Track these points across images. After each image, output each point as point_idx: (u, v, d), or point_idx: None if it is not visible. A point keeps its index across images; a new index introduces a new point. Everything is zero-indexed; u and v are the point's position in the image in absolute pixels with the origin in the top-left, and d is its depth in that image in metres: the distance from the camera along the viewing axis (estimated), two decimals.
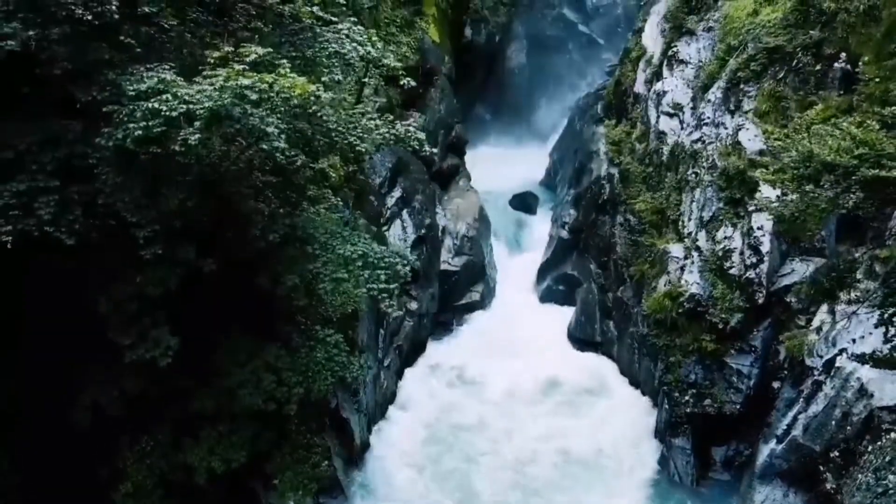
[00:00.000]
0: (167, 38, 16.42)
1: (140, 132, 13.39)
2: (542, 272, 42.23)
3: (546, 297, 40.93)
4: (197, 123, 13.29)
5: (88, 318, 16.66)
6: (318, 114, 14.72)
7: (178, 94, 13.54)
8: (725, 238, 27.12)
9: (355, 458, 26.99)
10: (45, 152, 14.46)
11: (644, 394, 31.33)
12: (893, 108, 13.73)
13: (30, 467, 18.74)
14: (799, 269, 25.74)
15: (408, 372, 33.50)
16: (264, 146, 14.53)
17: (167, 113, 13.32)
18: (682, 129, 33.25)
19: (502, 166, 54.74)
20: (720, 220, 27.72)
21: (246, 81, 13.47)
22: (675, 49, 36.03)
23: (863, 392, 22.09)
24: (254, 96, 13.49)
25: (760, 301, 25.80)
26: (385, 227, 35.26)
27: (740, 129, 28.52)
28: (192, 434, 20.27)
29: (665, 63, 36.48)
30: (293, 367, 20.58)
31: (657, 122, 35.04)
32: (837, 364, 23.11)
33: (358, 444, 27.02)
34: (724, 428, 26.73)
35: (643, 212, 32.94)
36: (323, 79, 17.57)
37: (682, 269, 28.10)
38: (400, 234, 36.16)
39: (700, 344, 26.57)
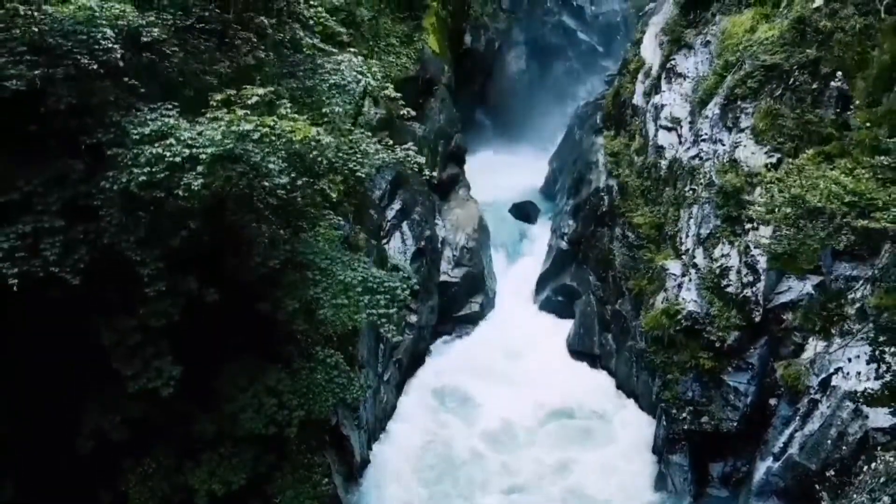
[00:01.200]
0: (169, 64, 16.56)
1: (144, 178, 13.59)
2: (542, 282, 42.46)
3: (545, 308, 41.17)
4: (200, 168, 13.48)
5: (91, 348, 16.85)
6: (319, 157, 14.88)
7: (182, 137, 13.73)
8: (723, 256, 27.31)
9: (355, 475, 27.18)
10: (50, 193, 14.65)
11: (642, 408, 31.53)
12: (883, 157, 13.92)
13: (32, 491, 18.92)
14: (795, 287, 25.88)
15: (408, 385, 33.63)
16: (266, 183, 14.75)
17: (171, 159, 13.52)
18: (680, 143, 33.45)
19: (502, 173, 55.05)
20: (717, 237, 27.89)
21: (248, 126, 13.66)
22: (673, 62, 36.21)
23: (858, 412, 22.32)
24: (256, 136, 13.69)
25: (757, 319, 25.98)
26: (385, 240, 35.45)
27: (737, 147, 28.69)
28: (194, 457, 20.44)
29: (663, 76, 36.64)
30: (294, 389, 20.78)
31: (655, 135, 35.23)
32: (833, 383, 23.35)
33: (358, 461, 27.20)
34: (722, 444, 26.90)
35: (641, 226, 33.16)
36: (323, 109, 17.78)
37: (680, 286, 28.30)
38: (399, 246, 36.37)
39: (697, 361, 26.75)
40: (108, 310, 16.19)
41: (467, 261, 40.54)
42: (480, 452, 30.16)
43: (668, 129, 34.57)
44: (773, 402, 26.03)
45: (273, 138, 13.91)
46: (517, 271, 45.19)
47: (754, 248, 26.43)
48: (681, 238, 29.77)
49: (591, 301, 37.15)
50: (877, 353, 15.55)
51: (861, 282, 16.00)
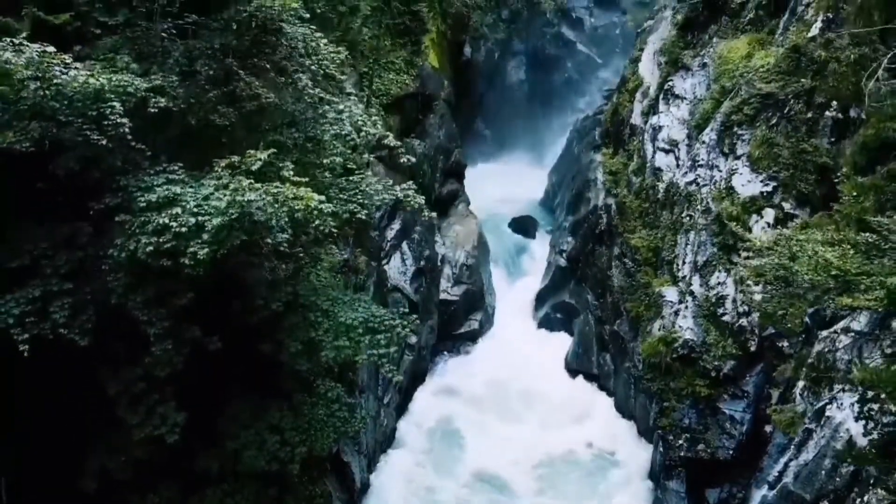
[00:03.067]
0: (175, 120, 16.82)
1: (151, 247, 13.91)
2: (541, 299, 42.80)
3: (544, 325, 41.51)
4: (206, 235, 13.80)
5: (97, 395, 17.15)
6: (321, 226, 15.20)
7: (188, 206, 14.04)
8: (719, 284, 27.60)
9: (355, 501, 27.46)
10: (58, 255, 14.96)
11: (640, 432, 31.80)
12: (868, 234, 14.23)
13: None
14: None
15: (408, 406, 33.91)
16: (269, 240, 15.07)
17: (177, 229, 13.84)
18: (677, 166, 33.74)
19: (501, 183, 55.47)
20: (714, 264, 28.18)
21: (252, 196, 13.96)
22: (671, 83, 36.51)
23: (852, 444, 22.57)
24: (260, 205, 14.01)
25: (753, 348, 26.29)
26: (385, 261, 35.73)
27: (734, 174, 28.96)
28: (198, 492, 20.77)
29: (661, 97, 36.93)
30: (296, 426, 21.08)
31: (653, 157, 35.51)
32: (827, 413, 23.59)
33: (358, 487, 27.51)
34: (718, 471, 27.17)
35: (639, 248, 33.43)
36: (324, 161, 18.09)
37: (677, 313, 28.60)
38: (400, 266, 36.64)
39: (694, 388, 27.06)
40: (113, 361, 16.50)
41: (467, 278, 40.82)
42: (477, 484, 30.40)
43: (666, 152, 34.84)
44: (768, 429, 26.33)
45: (277, 206, 14.23)
46: (516, 287, 45.54)
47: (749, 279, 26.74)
48: (678, 264, 30.06)
49: (590, 320, 37.46)
50: (864, 409, 15.87)
51: (849, 345, 16.29)
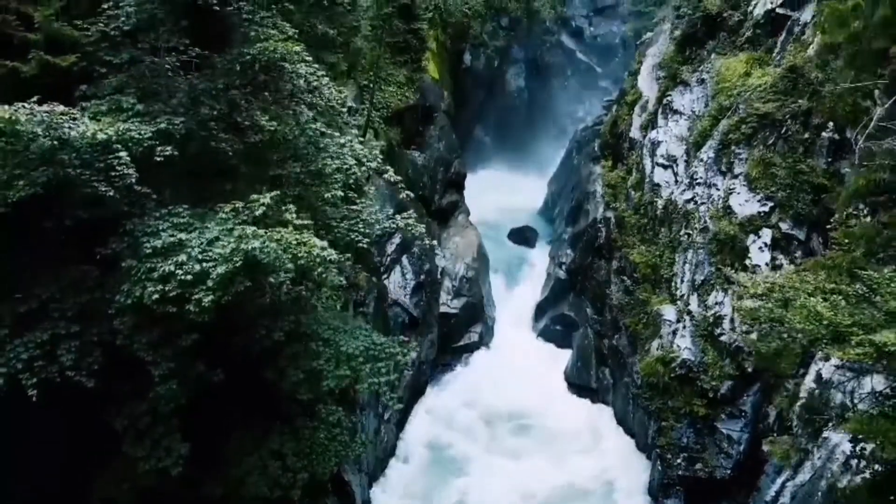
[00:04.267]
0: (180, 161, 16.98)
1: (157, 295, 14.16)
2: (540, 310, 43.07)
3: (544, 336, 41.79)
4: (210, 282, 14.04)
5: (102, 427, 17.37)
6: (324, 274, 15.45)
7: (193, 254, 14.28)
8: (716, 304, 27.85)
9: None
10: (66, 298, 15.21)
11: (638, 447, 31.99)
12: (858, 286, 14.50)
13: None
14: None
15: (407, 423, 34.11)
16: (272, 279, 15.32)
17: (182, 276, 14.08)
18: (675, 182, 33.94)
19: (501, 191, 55.84)
20: (712, 284, 28.43)
21: (256, 243, 14.19)
22: (669, 98, 36.71)
23: (848, 466, 22.83)
24: (264, 253, 14.26)
25: (750, 369, 26.49)
26: (385, 276, 35.95)
27: (731, 193, 29.21)
28: None
29: (660, 111, 37.15)
30: (298, 451, 21.26)
31: (652, 172, 35.72)
32: (824, 434, 23.84)
33: None
34: (716, 490, 27.37)
35: (638, 264, 33.63)
36: (326, 195, 18.32)
37: (675, 332, 28.83)
38: (400, 280, 36.87)
39: (692, 408, 27.32)
40: (118, 397, 16.72)
41: (467, 291, 41.02)
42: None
43: (665, 167, 35.06)
44: (766, 448, 26.55)
45: (281, 252, 14.46)
46: (516, 298, 45.80)
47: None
48: (676, 283, 30.30)
49: (589, 334, 37.71)
50: (857, 449, 16.12)
51: (842, 387, 16.54)
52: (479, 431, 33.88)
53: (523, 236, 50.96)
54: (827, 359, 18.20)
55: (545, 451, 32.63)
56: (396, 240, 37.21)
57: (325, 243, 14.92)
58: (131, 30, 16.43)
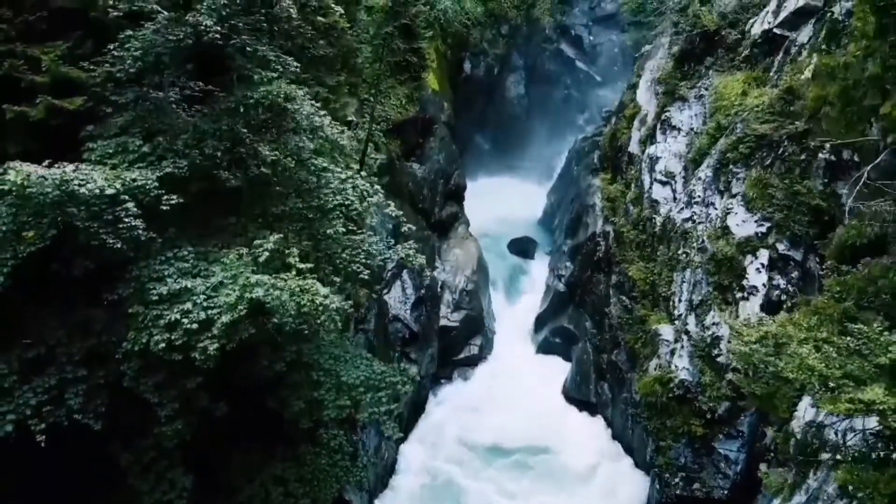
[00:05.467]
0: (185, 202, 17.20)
1: (163, 344, 14.45)
2: (539, 323, 43.31)
3: (543, 349, 42.01)
4: (215, 330, 14.32)
5: (107, 461, 17.66)
6: (327, 322, 15.71)
7: (198, 301, 14.56)
8: (714, 324, 28.08)
9: None
10: (73, 342, 15.51)
11: (637, 464, 32.23)
12: (849, 339, 14.76)
13: None
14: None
15: (408, 437, 34.32)
16: (275, 319, 15.58)
17: (188, 325, 14.36)
18: (674, 199, 34.20)
19: (501, 199, 55.79)
20: (709, 304, 28.66)
21: (260, 292, 14.47)
22: (668, 114, 36.96)
23: (844, 489, 23.08)
24: (267, 301, 14.56)
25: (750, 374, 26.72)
26: (385, 291, 36.18)
27: (729, 213, 29.44)
28: None
29: (658, 127, 37.38)
30: (299, 476, 21.61)
31: (650, 188, 35.97)
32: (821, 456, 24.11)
33: None
34: None
35: (637, 281, 33.88)
36: (328, 231, 18.60)
37: (673, 352, 29.09)
38: (400, 295, 37.10)
39: (689, 428, 27.56)
40: (124, 434, 17.00)
41: (466, 304, 41.26)
42: None
43: (663, 184, 35.31)
44: (763, 467, 26.80)
45: (284, 299, 14.72)
46: (516, 309, 46.02)
47: (744, 318, 27.25)
48: (674, 302, 30.55)
49: (588, 349, 37.96)
50: (849, 488, 16.41)
51: (835, 426, 16.80)
52: (477, 457, 33.86)
53: (523, 247, 51.14)
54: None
55: (544, 481, 32.75)
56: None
57: (327, 290, 15.18)
58: (136, 72, 16.65)
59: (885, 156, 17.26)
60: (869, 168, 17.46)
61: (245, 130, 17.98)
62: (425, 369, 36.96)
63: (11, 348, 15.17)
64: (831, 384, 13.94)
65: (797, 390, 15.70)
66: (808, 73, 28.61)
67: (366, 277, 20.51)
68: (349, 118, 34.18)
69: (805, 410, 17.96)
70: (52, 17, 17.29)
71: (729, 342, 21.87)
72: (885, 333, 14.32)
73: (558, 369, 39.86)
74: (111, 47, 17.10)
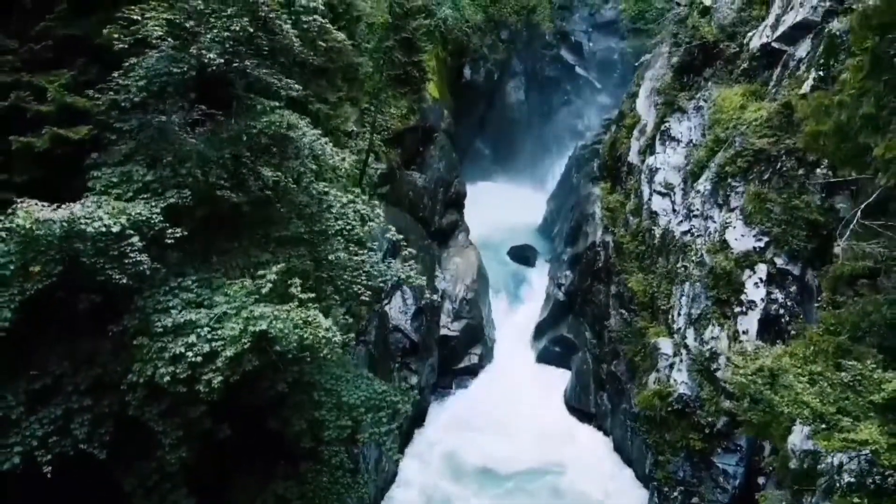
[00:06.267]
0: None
1: (168, 377, 14.64)
2: (539, 331, 43.50)
3: (543, 358, 42.22)
4: (219, 362, 14.52)
5: (112, 489, 17.82)
6: (328, 354, 15.89)
7: (202, 333, 14.75)
8: (713, 338, 28.27)
9: None
10: (79, 372, 15.69)
11: (637, 476, 32.43)
12: (843, 374, 14.97)
13: None
14: None
15: (407, 449, 34.48)
16: (277, 347, 15.76)
17: (192, 358, 14.55)
18: (673, 211, 34.39)
19: (501, 205, 56.05)
20: (708, 318, 28.85)
21: (263, 325, 14.67)
22: (667, 124, 37.11)
23: None
24: (271, 333, 14.76)
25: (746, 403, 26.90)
26: (386, 302, 36.37)
27: (727, 227, 29.59)
28: None
29: (658, 137, 37.54)
30: (301, 494, 21.73)
31: (650, 199, 36.17)
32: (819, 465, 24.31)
33: None
34: None
35: (636, 293, 34.09)
36: (329, 257, 18.80)
37: (671, 366, 29.31)
38: (401, 306, 37.31)
39: (688, 442, 27.82)
40: (127, 457, 17.16)
41: (466, 313, 41.46)
42: None
43: (662, 195, 35.50)
44: (761, 480, 27.05)
45: (287, 331, 14.91)
46: (516, 316, 46.25)
47: (742, 332, 27.48)
48: (673, 315, 30.74)
49: (588, 359, 38.17)
50: None
51: (829, 455, 16.98)
52: (476, 480, 33.71)
53: (523, 255, 51.40)
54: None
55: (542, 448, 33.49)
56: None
57: (329, 322, 15.36)
58: (140, 101, 16.82)
59: (877, 196, 17.43)
60: (862, 207, 17.64)
61: (248, 153, 18.17)
62: (425, 379, 37.17)
63: (18, 380, 15.35)
64: (826, 419, 14.13)
65: (792, 420, 15.91)
66: (806, 88, 28.72)
67: (367, 299, 20.69)
68: (350, 128, 34.40)
69: (801, 436, 18.13)
70: (58, 44, 17.45)
71: (727, 360, 21.96)
72: (879, 370, 14.53)
73: (558, 378, 40.09)
74: (115, 75, 17.25)
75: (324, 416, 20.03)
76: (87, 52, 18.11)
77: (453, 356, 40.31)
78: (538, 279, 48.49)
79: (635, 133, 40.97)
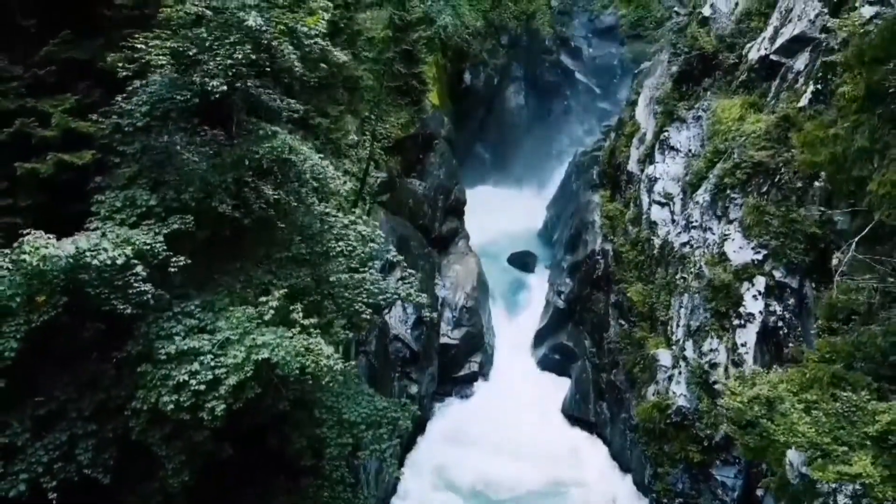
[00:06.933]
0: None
1: (172, 406, 14.81)
2: (539, 338, 43.66)
3: (543, 365, 42.39)
4: (222, 390, 14.70)
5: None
6: (330, 383, 16.08)
7: (205, 361, 14.93)
8: (711, 350, 28.42)
9: None
10: (83, 397, 15.85)
11: (636, 485, 32.55)
12: (838, 405, 15.16)
13: None
14: None
15: (408, 459, 34.65)
16: (279, 371, 15.93)
17: (195, 387, 14.73)
18: (672, 221, 34.54)
19: (501, 210, 56.20)
20: (707, 330, 28.99)
21: (266, 353, 14.86)
22: (666, 134, 37.25)
23: None
24: (273, 361, 14.95)
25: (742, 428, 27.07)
26: (386, 311, 36.47)
27: (726, 239, 29.72)
28: None
29: (657, 146, 37.68)
30: None
31: (649, 209, 36.32)
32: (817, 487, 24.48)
33: None
34: None
35: (636, 302, 34.25)
36: (331, 279, 18.98)
37: (670, 378, 29.47)
38: (401, 315, 37.49)
39: (687, 454, 27.95)
40: (130, 479, 17.33)
41: (467, 321, 41.63)
42: None
43: (661, 205, 35.65)
44: (759, 492, 27.17)
45: (289, 358, 15.08)
46: (516, 323, 46.39)
47: (741, 344, 27.64)
48: (671, 327, 30.91)
49: (587, 367, 38.33)
50: None
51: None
52: (475, 494, 34.01)
53: (523, 261, 51.53)
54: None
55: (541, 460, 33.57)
56: (398, 274, 37.60)
57: (331, 350, 15.54)
58: (143, 126, 17.00)
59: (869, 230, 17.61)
60: (856, 239, 17.82)
61: (250, 173, 18.34)
62: (425, 388, 37.37)
63: (24, 406, 15.52)
64: (821, 448, 14.33)
65: (788, 446, 16.10)
66: (804, 102, 28.84)
67: (367, 317, 20.87)
68: (352, 138, 34.57)
69: (799, 459, 18.31)
70: (61, 68, 17.62)
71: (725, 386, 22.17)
72: (873, 401, 14.71)
73: (558, 387, 40.22)
74: (119, 98, 17.44)
75: (325, 434, 20.20)
76: (90, 74, 18.30)
77: (453, 364, 40.49)
78: (538, 285, 48.63)
79: (634, 141, 41.13)
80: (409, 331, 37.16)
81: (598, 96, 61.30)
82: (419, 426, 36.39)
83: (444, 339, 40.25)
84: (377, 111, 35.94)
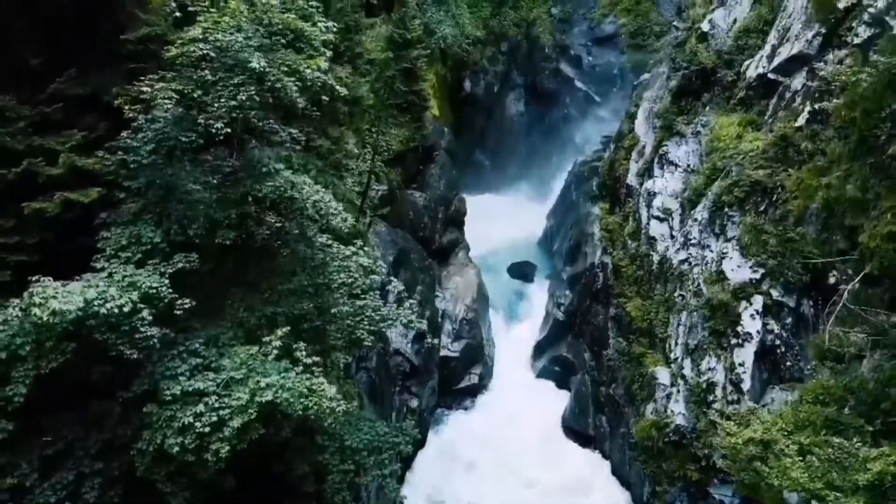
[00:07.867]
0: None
1: (177, 448, 15.07)
2: (539, 350, 43.93)
3: (542, 376, 42.70)
4: (227, 431, 14.95)
5: None
6: (333, 424, 16.35)
7: (210, 402, 15.18)
8: (709, 369, 28.65)
9: None
10: (89, 436, 16.13)
11: (635, 500, 32.84)
12: (831, 450, 15.39)
13: None
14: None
15: (410, 469, 34.88)
16: (282, 408, 16.18)
17: (200, 429, 14.98)
18: (670, 238, 34.76)
19: (501, 217, 56.41)
20: (705, 349, 29.23)
21: (269, 395, 15.11)
22: (665, 148, 37.46)
23: None
24: (276, 402, 15.22)
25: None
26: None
27: (724, 258, 29.94)
28: None
29: (656, 160, 37.89)
30: None
31: (648, 223, 36.54)
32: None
33: None
34: None
35: (635, 318, 34.49)
36: (333, 310, 19.24)
37: (669, 396, 29.72)
38: (401, 330, 37.55)
39: (685, 472, 28.22)
40: None
41: (467, 333, 41.90)
42: None
43: (660, 220, 35.86)
44: None
45: (292, 400, 15.35)
46: (515, 333, 46.68)
47: (739, 364, 27.87)
48: (670, 345, 31.15)
49: (586, 381, 38.59)
50: None
51: None
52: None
53: (522, 271, 51.83)
54: None
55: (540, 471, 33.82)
56: (398, 286, 37.84)
57: (334, 390, 15.78)
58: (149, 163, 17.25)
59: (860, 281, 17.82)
60: (847, 293, 18.04)
61: (254, 207, 18.61)
62: (426, 402, 37.62)
63: (31, 447, 15.76)
64: (814, 493, 14.59)
65: (781, 490, 16.37)
66: (801, 121, 29.06)
67: (369, 343, 21.13)
68: (354, 152, 34.84)
69: (794, 500, 18.60)
70: (68, 104, 17.83)
71: (720, 417, 22.40)
72: (864, 448, 14.97)
73: (557, 398, 40.52)
74: (124, 134, 17.68)
75: (327, 460, 20.50)
76: (96, 109, 18.52)
77: (454, 376, 40.77)
78: (537, 296, 48.90)
79: (634, 155, 41.32)
80: (409, 345, 37.41)
81: (597, 104, 61.43)
82: (420, 441, 36.54)
83: (444, 352, 40.52)
84: (378, 126, 36.18)
